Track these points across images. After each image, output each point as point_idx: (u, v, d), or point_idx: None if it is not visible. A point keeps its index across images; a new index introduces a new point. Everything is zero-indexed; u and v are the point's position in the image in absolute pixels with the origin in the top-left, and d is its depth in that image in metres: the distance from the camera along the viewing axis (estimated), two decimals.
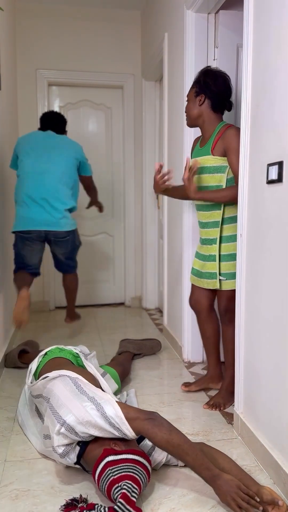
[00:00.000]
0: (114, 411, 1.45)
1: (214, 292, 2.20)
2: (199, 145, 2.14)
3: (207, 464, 1.40)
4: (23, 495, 1.46)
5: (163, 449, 1.45)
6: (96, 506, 1.26)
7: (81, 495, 1.38)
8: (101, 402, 1.50)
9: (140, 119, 4.05)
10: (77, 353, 2.06)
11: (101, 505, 1.26)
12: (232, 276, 2.04)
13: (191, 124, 2.12)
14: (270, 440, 1.58)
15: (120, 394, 2.18)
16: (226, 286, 2.06)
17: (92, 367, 1.95)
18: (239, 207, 1.79)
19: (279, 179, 1.45)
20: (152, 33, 3.49)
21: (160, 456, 1.57)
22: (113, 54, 3.97)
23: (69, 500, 1.36)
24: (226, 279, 2.05)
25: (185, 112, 2.12)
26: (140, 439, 1.57)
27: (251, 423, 1.75)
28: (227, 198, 1.95)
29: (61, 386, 1.63)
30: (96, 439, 1.50)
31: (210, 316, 2.23)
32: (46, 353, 2.02)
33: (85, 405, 1.50)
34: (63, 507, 1.33)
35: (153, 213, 4.05)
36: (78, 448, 1.50)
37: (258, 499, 1.34)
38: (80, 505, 1.32)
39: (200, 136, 2.18)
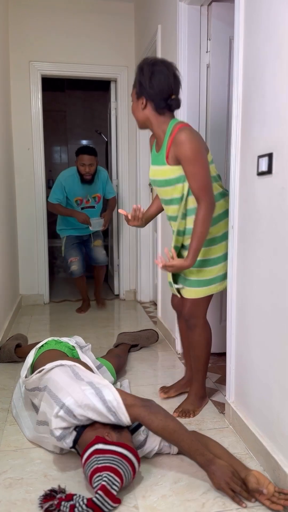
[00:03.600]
0: (113, 396, 1.49)
1: None
2: (155, 148, 1.89)
3: (201, 450, 1.45)
4: (16, 483, 1.48)
5: (159, 435, 1.49)
6: (75, 496, 1.28)
7: (59, 486, 1.40)
8: (100, 387, 1.53)
9: None
10: (73, 346, 2.07)
11: (79, 496, 1.28)
12: (196, 284, 1.88)
13: (141, 127, 1.86)
14: (261, 428, 1.61)
15: (114, 385, 2.20)
16: (187, 294, 1.91)
17: (87, 359, 1.97)
18: (230, 199, 1.80)
19: (269, 171, 1.46)
20: (146, 25, 3.48)
21: (152, 444, 1.59)
22: (106, 46, 3.95)
23: (48, 491, 1.37)
24: (183, 287, 1.91)
25: (132, 113, 1.86)
26: (132, 431, 1.59)
27: (242, 412, 1.77)
28: (207, 224, 1.71)
29: (59, 372, 1.66)
30: (92, 427, 1.52)
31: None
32: (42, 345, 2.04)
33: (84, 388, 1.53)
34: (42, 497, 1.35)
35: (148, 206, 4.05)
36: (74, 433, 1.52)
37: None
38: (58, 495, 1.33)
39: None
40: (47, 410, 1.58)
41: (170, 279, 1.94)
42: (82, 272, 3.66)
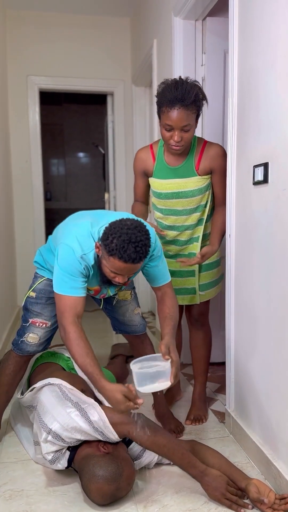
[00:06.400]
0: (98, 416, 1.45)
1: None
2: (168, 162, 1.89)
3: (193, 461, 1.43)
4: (16, 495, 1.47)
5: (150, 449, 1.48)
6: None
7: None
8: (85, 407, 1.49)
9: (130, 124, 4.09)
10: (68, 357, 2.06)
11: None
12: (208, 286, 2.01)
13: (184, 150, 1.84)
14: (261, 437, 1.61)
15: None
16: (206, 297, 2.02)
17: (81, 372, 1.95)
18: (227, 208, 1.82)
19: (265, 180, 1.49)
20: (142, 39, 3.54)
21: (152, 454, 1.58)
22: (103, 61, 4.02)
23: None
24: (204, 294, 2.01)
25: (183, 142, 1.75)
26: (128, 442, 1.57)
27: (242, 421, 1.77)
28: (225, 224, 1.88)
29: (47, 392, 1.60)
30: (87, 442, 1.50)
31: (180, 324, 2.17)
32: (36, 358, 2.03)
33: (69, 411, 1.48)
34: None
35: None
36: (68, 453, 1.50)
37: (246, 499, 1.39)
38: None
39: (148, 148, 1.97)
40: (38, 433, 1.54)
41: (196, 285, 1.97)
42: (38, 351, 1.83)
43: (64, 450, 1.50)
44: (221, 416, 2.02)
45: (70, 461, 1.50)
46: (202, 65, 2.49)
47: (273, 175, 1.44)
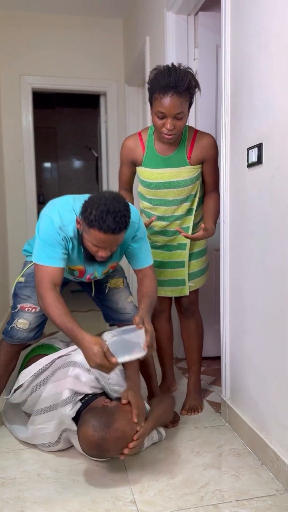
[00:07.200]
0: (81, 357, 1.51)
1: None
2: (158, 151, 1.84)
3: None
4: (8, 482, 1.44)
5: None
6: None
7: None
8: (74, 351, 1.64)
9: (123, 124, 4.10)
10: (59, 347, 2.01)
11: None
12: (198, 274, 2.00)
13: (176, 139, 1.79)
14: (258, 422, 1.59)
15: None
16: (195, 286, 2.01)
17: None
18: (221, 194, 1.82)
19: (259, 161, 1.49)
20: (134, 38, 3.57)
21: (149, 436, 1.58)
22: (96, 61, 4.04)
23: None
24: (193, 284, 1.99)
25: (176, 131, 1.71)
26: None
27: (238, 408, 1.75)
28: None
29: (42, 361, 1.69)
30: (95, 402, 1.51)
31: (170, 316, 2.14)
32: (26, 354, 1.98)
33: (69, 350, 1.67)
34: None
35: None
36: (79, 404, 1.52)
37: None
38: None
39: (137, 136, 1.91)
40: (62, 381, 1.56)
41: (186, 276, 1.96)
42: (30, 339, 1.76)
43: (77, 400, 1.52)
44: (217, 406, 1.99)
45: (78, 413, 1.50)
46: (194, 59, 2.51)
47: (267, 155, 1.44)
